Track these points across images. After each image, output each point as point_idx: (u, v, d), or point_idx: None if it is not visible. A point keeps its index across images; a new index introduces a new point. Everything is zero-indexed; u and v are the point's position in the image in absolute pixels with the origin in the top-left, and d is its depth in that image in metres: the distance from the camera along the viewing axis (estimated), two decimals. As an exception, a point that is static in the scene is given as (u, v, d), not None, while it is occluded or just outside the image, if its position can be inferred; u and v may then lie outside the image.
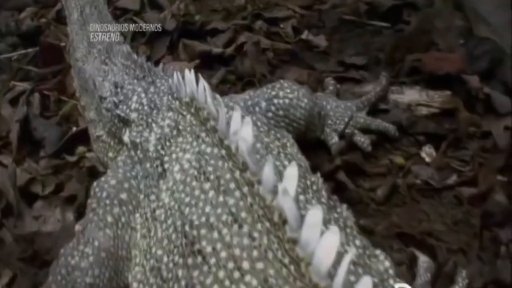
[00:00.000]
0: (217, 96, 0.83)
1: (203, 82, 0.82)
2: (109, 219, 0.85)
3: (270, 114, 1.00)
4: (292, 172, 0.57)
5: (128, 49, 1.17)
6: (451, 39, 1.35)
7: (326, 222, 0.64)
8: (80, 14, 1.31)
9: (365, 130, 1.14)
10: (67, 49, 1.42)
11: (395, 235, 0.98)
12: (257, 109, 1.00)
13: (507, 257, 0.93)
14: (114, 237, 0.84)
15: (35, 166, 1.21)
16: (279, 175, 0.67)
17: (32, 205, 1.15)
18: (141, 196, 0.83)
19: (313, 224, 0.51)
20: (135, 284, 0.74)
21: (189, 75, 0.87)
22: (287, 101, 1.01)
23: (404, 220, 1.01)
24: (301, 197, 0.69)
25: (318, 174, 0.83)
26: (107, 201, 0.86)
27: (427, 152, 1.14)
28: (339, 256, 0.49)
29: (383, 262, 0.65)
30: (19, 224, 1.12)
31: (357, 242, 0.66)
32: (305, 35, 1.47)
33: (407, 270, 0.90)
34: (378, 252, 0.67)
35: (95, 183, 0.91)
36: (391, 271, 0.64)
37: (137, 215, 0.81)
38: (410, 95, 1.21)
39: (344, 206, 0.75)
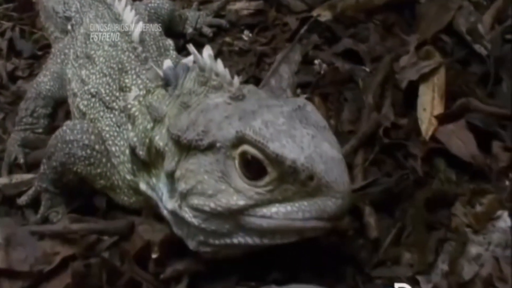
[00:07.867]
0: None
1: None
2: (58, 60, 1.65)
3: (146, 12, 1.81)
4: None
5: None
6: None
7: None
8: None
9: (210, 26, 1.97)
10: (36, 2, 2.24)
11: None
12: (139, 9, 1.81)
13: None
14: (61, 68, 1.63)
15: (18, 61, 2.00)
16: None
17: (16, 82, 1.93)
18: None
19: (131, 19, 1.38)
20: (67, 70, 1.54)
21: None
22: (155, 4, 1.82)
23: (223, 65, 1.82)
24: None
25: None
26: (58, 53, 1.67)
27: (246, 35, 1.95)
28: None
29: (169, 41, 1.47)
30: (8, 92, 1.91)
31: (162, 38, 1.49)
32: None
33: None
34: (169, 39, 1.49)
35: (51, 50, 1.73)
36: (172, 46, 1.45)
37: (71, 50, 1.62)
38: (238, 5, 2.05)
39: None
